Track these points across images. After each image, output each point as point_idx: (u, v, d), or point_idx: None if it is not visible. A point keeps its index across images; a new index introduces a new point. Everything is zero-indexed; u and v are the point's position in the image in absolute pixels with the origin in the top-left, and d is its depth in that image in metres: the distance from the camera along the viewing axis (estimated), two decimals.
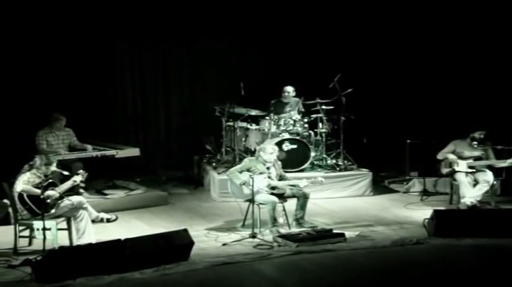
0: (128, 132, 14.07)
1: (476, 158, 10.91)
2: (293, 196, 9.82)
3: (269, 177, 9.72)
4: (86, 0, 13.01)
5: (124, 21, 13.53)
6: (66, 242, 8.77)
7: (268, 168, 9.80)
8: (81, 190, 10.46)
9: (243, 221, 9.82)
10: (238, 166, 9.89)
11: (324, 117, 12.43)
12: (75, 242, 8.72)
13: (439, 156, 11.12)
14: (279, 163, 10.08)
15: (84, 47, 13.19)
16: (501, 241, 8.92)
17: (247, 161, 9.96)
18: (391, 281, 7.80)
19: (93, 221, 9.28)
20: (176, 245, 8.23)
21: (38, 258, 7.66)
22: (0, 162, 10.41)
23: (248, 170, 9.64)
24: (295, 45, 14.33)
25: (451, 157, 10.95)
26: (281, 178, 9.91)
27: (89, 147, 11.26)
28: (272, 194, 9.67)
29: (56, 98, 12.48)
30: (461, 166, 10.87)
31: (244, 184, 9.46)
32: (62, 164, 10.01)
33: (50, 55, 12.86)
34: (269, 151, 9.78)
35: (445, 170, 11.07)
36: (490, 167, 10.87)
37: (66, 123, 11.35)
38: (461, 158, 10.92)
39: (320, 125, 12.47)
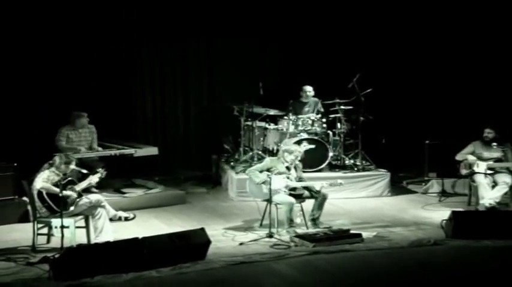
0: (147, 131, 14.10)
1: (497, 160, 10.84)
2: (311, 197, 9.82)
3: (288, 178, 9.73)
4: (107, 3, 13.09)
5: (144, 23, 13.58)
6: (84, 240, 8.82)
7: (288, 168, 9.80)
8: (94, 189, 10.45)
9: (261, 221, 9.82)
10: (258, 165, 9.89)
11: (343, 118, 12.42)
12: (93, 241, 8.76)
13: (458, 157, 11.07)
14: (300, 164, 10.06)
15: (105, 48, 13.24)
16: None
17: (268, 160, 9.95)
18: (408, 283, 7.77)
19: (111, 220, 9.32)
20: (193, 244, 8.25)
21: (56, 256, 7.70)
22: (20, 161, 10.44)
23: (268, 170, 9.63)
24: (315, 45, 14.31)
25: (471, 158, 10.89)
26: (299, 180, 9.90)
27: (100, 149, 11.32)
28: (291, 194, 9.67)
29: (77, 98, 12.53)
30: (481, 167, 10.81)
31: (263, 183, 9.45)
32: (82, 162, 10.07)
33: (72, 56, 12.94)
34: (295, 155, 9.77)
35: (464, 171, 11.01)
36: (509, 169, 10.80)
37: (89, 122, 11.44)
38: (480, 159, 10.87)
39: (338, 125, 12.47)
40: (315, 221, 9.75)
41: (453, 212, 9.30)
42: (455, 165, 11.16)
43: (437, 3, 14.00)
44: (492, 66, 13.77)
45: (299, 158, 9.89)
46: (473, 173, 10.84)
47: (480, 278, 7.83)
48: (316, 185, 9.73)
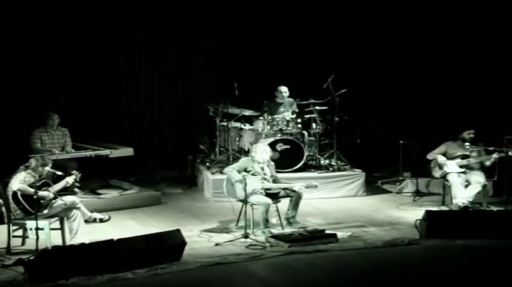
0: (122, 131, 14.03)
1: (464, 156, 10.89)
2: (287, 196, 9.85)
3: (264, 178, 9.76)
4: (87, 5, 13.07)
5: (121, 22, 13.53)
6: (59, 242, 8.79)
7: (262, 168, 9.83)
8: (76, 189, 10.47)
9: (237, 222, 9.84)
10: (235, 164, 9.91)
11: (318, 118, 12.46)
12: (68, 242, 8.74)
13: (429, 156, 11.11)
14: (273, 163, 10.12)
15: (81, 49, 13.18)
16: (493, 242, 8.94)
17: (244, 160, 10.00)
18: (383, 282, 7.83)
19: (86, 221, 9.26)
20: (168, 245, 8.26)
21: (31, 258, 7.69)
22: None
23: (245, 170, 9.65)
24: (290, 46, 14.34)
25: (441, 158, 10.93)
26: (274, 180, 9.93)
27: (73, 151, 11.31)
28: (267, 194, 9.70)
29: (52, 100, 12.47)
30: (452, 166, 10.87)
31: (240, 181, 9.44)
32: (56, 163, 10.03)
33: (49, 58, 12.88)
34: (260, 151, 9.82)
35: (437, 173, 11.05)
36: (482, 168, 10.89)
37: (63, 123, 11.41)
38: (453, 159, 10.93)
39: (314, 125, 12.50)
40: (289, 220, 9.80)
41: (427, 212, 9.37)
42: (428, 164, 11.23)
43: (409, 4, 14.08)
44: (466, 66, 13.85)
45: (268, 155, 9.92)
46: (446, 174, 10.90)
47: (453, 277, 7.91)
48: (295, 187, 9.78)
